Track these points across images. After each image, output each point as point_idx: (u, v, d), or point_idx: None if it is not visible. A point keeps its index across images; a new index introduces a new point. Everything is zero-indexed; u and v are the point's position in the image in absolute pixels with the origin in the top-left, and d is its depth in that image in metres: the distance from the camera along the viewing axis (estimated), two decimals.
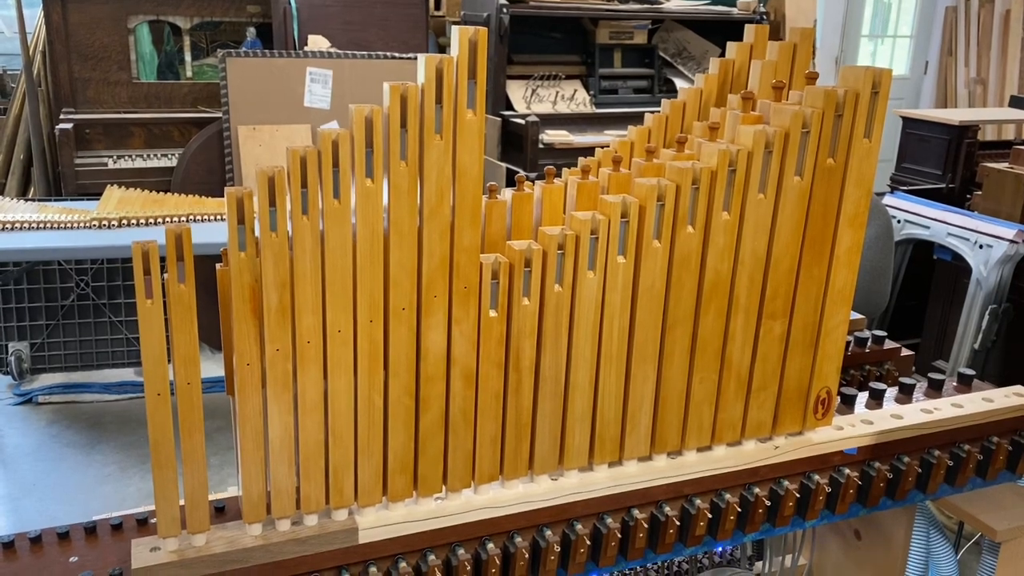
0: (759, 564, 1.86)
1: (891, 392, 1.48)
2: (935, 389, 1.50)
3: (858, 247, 1.21)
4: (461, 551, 1.10)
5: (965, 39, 7.12)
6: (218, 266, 0.99)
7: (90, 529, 1.07)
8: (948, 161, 3.83)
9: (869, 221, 2.97)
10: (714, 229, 1.11)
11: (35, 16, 4.12)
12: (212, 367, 2.79)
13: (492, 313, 1.05)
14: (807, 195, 1.15)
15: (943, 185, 3.84)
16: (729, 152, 1.09)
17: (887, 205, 3.62)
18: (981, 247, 3.26)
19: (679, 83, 4.71)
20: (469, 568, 1.10)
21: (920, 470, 1.37)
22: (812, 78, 1.22)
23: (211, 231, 2.94)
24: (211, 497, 1.05)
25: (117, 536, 1.07)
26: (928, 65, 7.41)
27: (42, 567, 1.01)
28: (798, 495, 1.28)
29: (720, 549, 1.82)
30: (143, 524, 1.08)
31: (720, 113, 1.23)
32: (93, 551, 1.04)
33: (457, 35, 0.95)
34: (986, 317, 3.25)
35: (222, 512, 1.09)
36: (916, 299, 3.74)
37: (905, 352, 1.71)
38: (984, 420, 1.42)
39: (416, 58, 0.96)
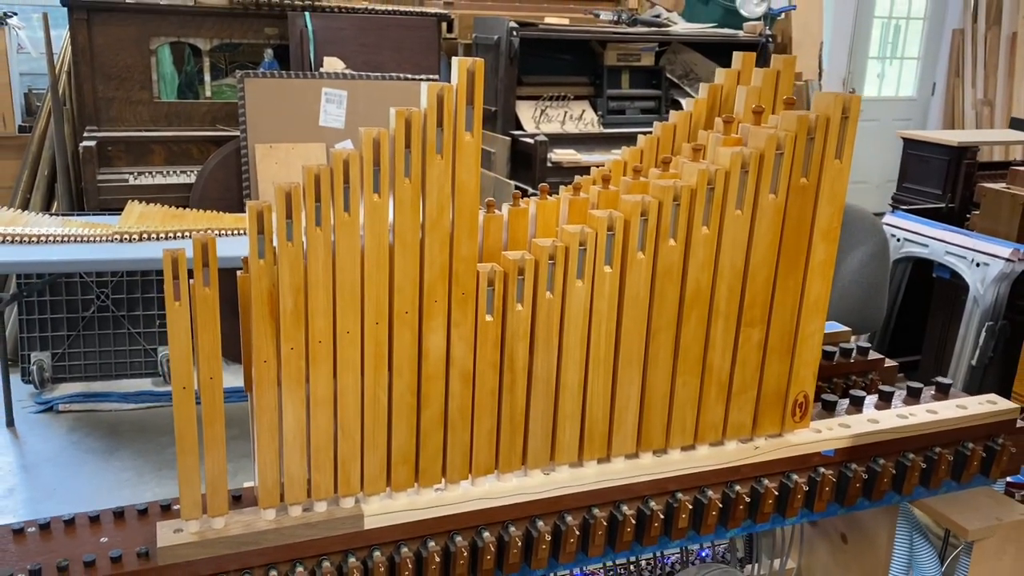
0: (749, 567, 1.94)
1: (871, 399, 1.56)
2: (913, 397, 1.58)
3: (831, 260, 1.29)
4: (459, 538, 1.19)
5: (972, 61, 7.21)
6: (239, 272, 1.08)
7: (118, 514, 1.17)
8: (948, 181, 3.91)
9: (865, 239, 3.06)
10: (694, 242, 1.21)
11: (61, 37, 4.28)
12: (228, 378, 2.89)
13: (488, 318, 1.14)
14: (782, 211, 1.24)
15: (943, 205, 3.91)
16: (708, 171, 1.18)
17: (888, 224, 3.70)
18: (978, 265, 3.34)
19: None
20: (466, 555, 1.18)
21: (895, 472, 1.45)
22: (789, 103, 1.31)
23: (228, 245, 3.04)
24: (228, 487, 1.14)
25: (143, 520, 1.16)
26: (935, 86, 7.50)
27: (75, 546, 1.10)
28: (777, 493, 1.36)
29: (709, 553, 1.89)
30: (166, 510, 1.18)
31: (706, 135, 1.33)
32: (121, 533, 1.13)
33: (457, 65, 1.05)
34: (983, 334, 3.32)
35: (239, 500, 1.18)
36: (916, 316, 3.81)
37: (889, 363, 1.79)
38: (958, 426, 1.50)
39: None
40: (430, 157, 1.07)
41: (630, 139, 1.49)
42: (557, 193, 1.28)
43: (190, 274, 1.01)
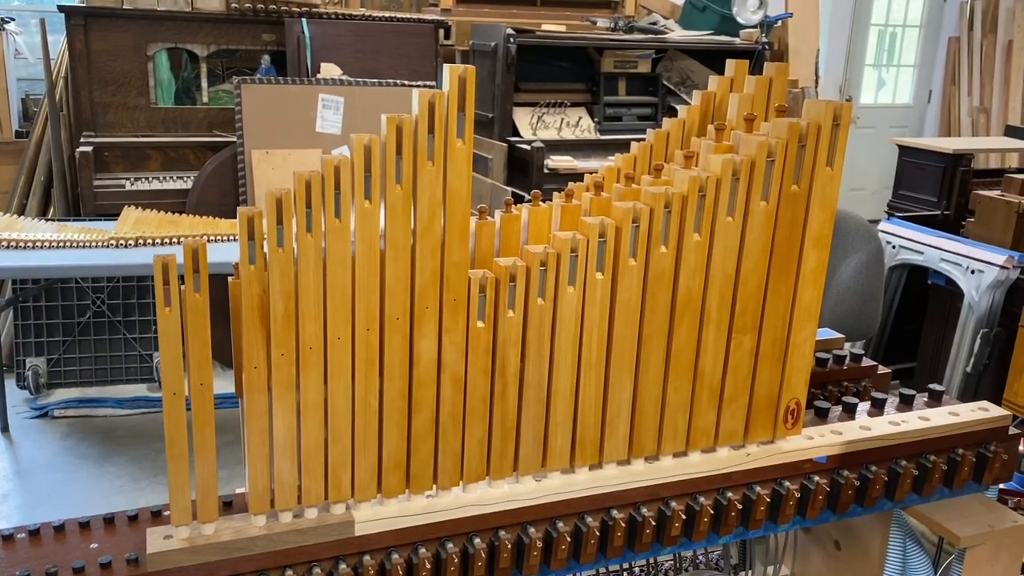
0: (743, 575, 1.93)
1: (863, 406, 1.56)
2: (906, 404, 1.58)
3: (823, 266, 1.30)
4: (450, 545, 1.18)
5: (968, 69, 7.23)
6: (230, 278, 1.09)
7: (109, 520, 1.17)
8: (943, 189, 3.92)
9: (860, 246, 3.06)
10: (686, 249, 1.21)
11: (59, 43, 4.28)
12: (221, 384, 2.88)
13: (479, 324, 1.14)
14: (773, 218, 1.24)
15: (938, 212, 3.92)
16: (699, 178, 1.19)
17: (883, 231, 3.70)
18: (973, 272, 3.34)
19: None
20: (456, 561, 1.18)
21: (887, 479, 1.45)
22: (781, 111, 1.31)
23: (224, 251, 3.05)
24: (220, 493, 1.14)
25: (133, 526, 1.16)
26: (932, 94, 7.52)
27: (65, 552, 1.10)
28: (769, 500, 1.36)
29: (703, 559, 1.89)
30: (157, 516, 1.17)
31: (698, 142, 1.33)
32: (111, 539, 1.13)
33: (448, 72, 1.05)
34: (978, 341, 3.33)
35: (229, 506, 1.18)
36: (912, 323, 3.81)
37: (882, 370, 1.79)
38: (950, 433, 1.50)
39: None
40: (421, 164, 1.07)
41: (627, 146, 1.50)
42: (551, 200, 1.28)
43: (181, 280, 1.01)
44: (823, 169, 1.25)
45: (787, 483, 1.37)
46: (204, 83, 4.25)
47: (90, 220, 3.51)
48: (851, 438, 1.42)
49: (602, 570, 1.80)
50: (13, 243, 2.98)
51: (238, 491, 1.24)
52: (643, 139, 1.46)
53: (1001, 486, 1.74)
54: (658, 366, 1.26)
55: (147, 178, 3.98)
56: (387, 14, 4.45)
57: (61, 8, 3.86)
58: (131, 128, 4.07)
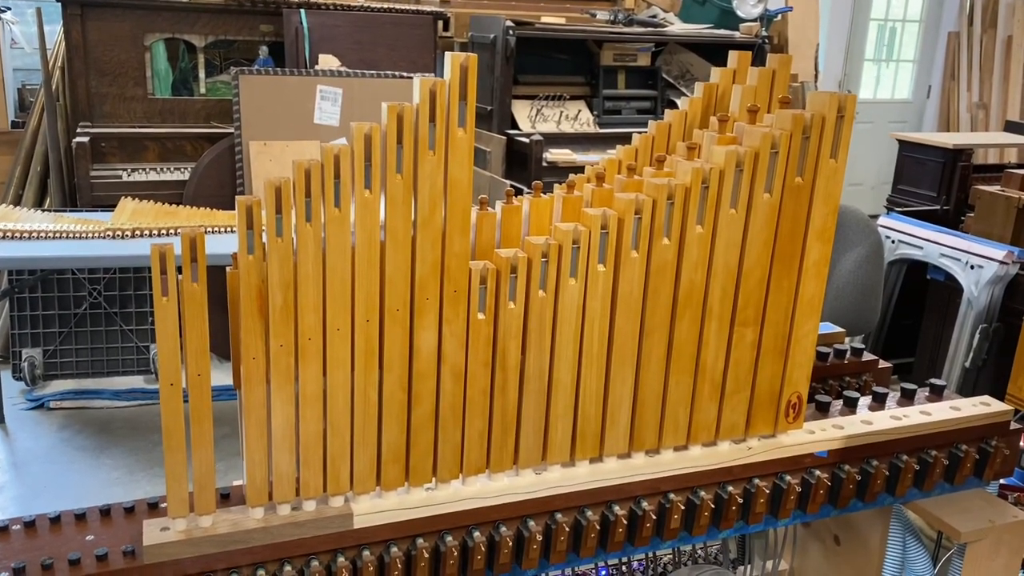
0: (742, 569, 1.93)
1: (865, 400, 1.55)
2: (907, 398, 1.57)
3: (826, 260, 1.29)
4: (449, 538, 1.18)
5: (968, 64, 7.22)
6: (228, 268, 1.07)
7: (105, 512, 1.16)
8: (943, 183, 3.91)
9: (860, 241, 3.05)
10: (688, 241, 1.20)
11: (55, 32, 4.25)
12: (218, 376, 2.87)
13: (480, 315, 1.13)
14: (776, 211, 1.23)
15: (938, 207, 3.91)
16: (702, 170, 1.18)
17: (882, 226, 3.69)
18: (972, 268, 3.34)
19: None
20: (456, 554, 1.17)
21: (888, 473, 1.44)
22: (785, 102, 1.30)
23: (221, 243, 3.03)
24: (217, 485, 1.13)
25: (130, 518, 1.15)
26: (931, 89, 7.51)
27: (60, 544, 1.09)
28: (770, 494, 1.35)
29: (703, 553, 1.89)
30: (154, 508, 1.16)
31: (701, 134, 1.32)
32: (107, 531, 1.12)
33: (450, 60, 1.04)
34: (977, 336, 3.32)
35: (227, 498, 1.17)
36: (911, 318, 3.81)
37: (883, 364, 1.78)
38: (951, 427, 1.49)
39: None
40: (422, 153, 1.06)
41: (626, 139, 1.48)
42: (551, 192, 1.27)
43: (179, 270, 1.00)
44: (827, 161, 1.24)
45: (788, 477, 1.37)
46: (202, 74, 4.22)
47: (86, 211, 3.49)
48: (852, 432, 1.41)
49: (601, 564, 1.80)
50: (9, 233, 2.97)
51: (235, 483, 1.24)
52: (643, 132, 1.45)
53: (1002, 481, 1.73)
54: (659, 359, 1.25)
55: (144, 169, 3.95)
56: (386, 5, 4.43)
57: None
58: (128, 119, 4.05)
